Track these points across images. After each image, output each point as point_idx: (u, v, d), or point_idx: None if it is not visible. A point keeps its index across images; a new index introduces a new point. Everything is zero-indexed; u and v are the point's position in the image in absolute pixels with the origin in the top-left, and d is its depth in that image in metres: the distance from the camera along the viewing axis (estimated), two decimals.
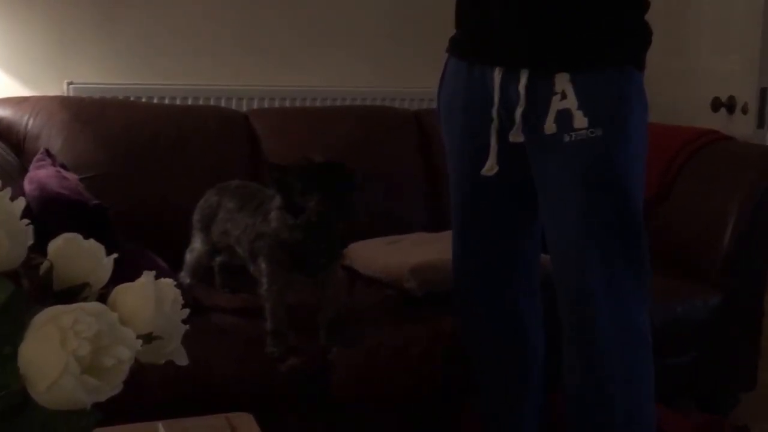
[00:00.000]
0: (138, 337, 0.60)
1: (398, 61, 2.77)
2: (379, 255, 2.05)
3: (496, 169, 1.48)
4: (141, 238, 1.85)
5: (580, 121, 1.38)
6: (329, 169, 1.61)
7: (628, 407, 1.48)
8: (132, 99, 2.37)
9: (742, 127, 2.56)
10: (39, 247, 0.64)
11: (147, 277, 0.66)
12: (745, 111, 2.58)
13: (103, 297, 0.64)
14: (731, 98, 2.62)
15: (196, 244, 1.85)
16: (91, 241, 0.67)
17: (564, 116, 1.39)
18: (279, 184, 1.64)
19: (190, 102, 2.46)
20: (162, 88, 2.44)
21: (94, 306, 0.57)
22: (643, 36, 1.46)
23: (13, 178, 1.79)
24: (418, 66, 2.71)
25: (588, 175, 1.41)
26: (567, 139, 1.39)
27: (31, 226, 0.62)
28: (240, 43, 2.58)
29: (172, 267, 1.80)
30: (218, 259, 1.94)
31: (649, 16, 1.46)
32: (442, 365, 1.77)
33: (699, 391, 2.18)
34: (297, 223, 1.62)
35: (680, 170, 2.27)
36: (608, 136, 1.39)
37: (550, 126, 1.40)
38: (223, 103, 2.50)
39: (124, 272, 0.68)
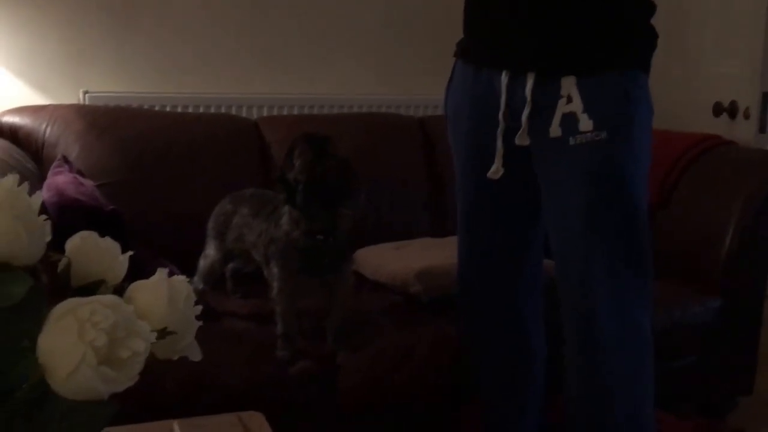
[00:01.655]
0: (152, 331, 0.61)
1: (403, 69, 2.79)
2: (386, 260, 2.06)
3: (501, 172, 1.49)
4: (153, 243, 1.88)
5: (585, 124, 1.38)
6: (306, 135, 1.66)
7: (629, 409, 1.48)
8: (145, 107, 2.40)
9: (743, 132, 2.54)
10: (58, 252, 0.65)
11: (160, 274, 0.67)
12: (746, 116, 2.56)
13: (118, 293, 0.64)
14: (733, 103, 2.60)
15: (210, 251, 1.88)
16: (107, 239, 0.68)
17: (569, 120, 1.39)
18: (278, 179, 1.69)
19: (201, 110, 2.49)
20: (174, 97, 2.48)
21: (110, 298, 0.58)
22: (649, 39, 1.45)
23: (33, 185, 1.82)
24: (423, 74, 2.74)
25: (592, 177, 1.41)
26: (572, 142, 1.39)
27: (49, 222, 0.62)
28: (250, 54, 2.62)
29: (184, 273, 1.82)
30: (230, 265, 1.97)
31: (652, 20, 1.46)
32: (448, 368, 1.78)
33: (697, 395, 2.17)
34: (303, 216, 1.64)
35: (682, 175, 2.26)
36: (613, 138, 1.39)
37: (555, 129, 1.41)
38: (233, 111, 2.53)
39: (138, 276, 0.68)
